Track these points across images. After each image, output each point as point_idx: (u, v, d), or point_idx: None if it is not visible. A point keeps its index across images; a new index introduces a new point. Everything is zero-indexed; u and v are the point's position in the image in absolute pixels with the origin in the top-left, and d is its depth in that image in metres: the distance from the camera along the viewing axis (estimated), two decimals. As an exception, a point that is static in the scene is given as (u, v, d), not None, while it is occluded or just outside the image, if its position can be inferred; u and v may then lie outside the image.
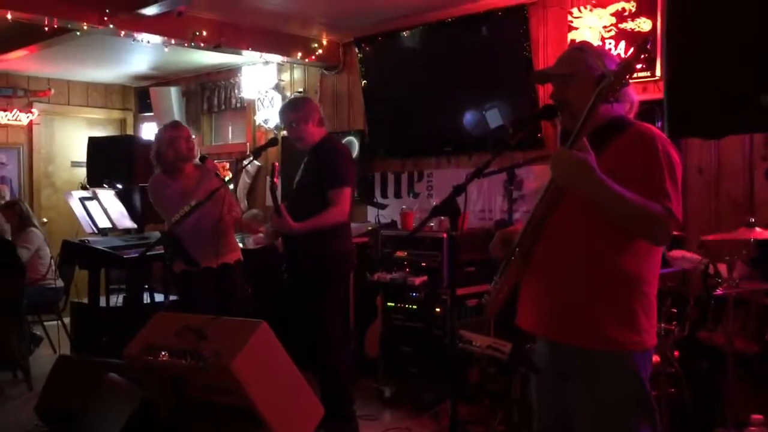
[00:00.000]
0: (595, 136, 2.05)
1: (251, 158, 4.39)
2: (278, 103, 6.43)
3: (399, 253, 4.57)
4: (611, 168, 1.93)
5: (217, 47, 5.39)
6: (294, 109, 3.81)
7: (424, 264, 4.46)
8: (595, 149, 1.97)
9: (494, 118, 5.00)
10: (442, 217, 4.01)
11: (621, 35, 4.40)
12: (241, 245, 5.05)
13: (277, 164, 4.39)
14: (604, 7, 4.49)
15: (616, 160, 1.98)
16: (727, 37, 1.26)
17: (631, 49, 2.00)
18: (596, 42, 4.46)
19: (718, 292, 2.98)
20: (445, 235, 4.34)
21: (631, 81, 2.00)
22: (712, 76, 1.28)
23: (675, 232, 3.36)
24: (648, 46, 1.95)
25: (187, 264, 3.87)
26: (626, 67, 1.86)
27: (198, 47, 5.42)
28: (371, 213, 5.85)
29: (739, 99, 1.23)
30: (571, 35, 4.59)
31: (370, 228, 5.38)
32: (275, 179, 3.75)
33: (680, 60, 1.35)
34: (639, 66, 4.13)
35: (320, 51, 6.01)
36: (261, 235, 5.42)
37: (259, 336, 2.76)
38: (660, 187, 1.92)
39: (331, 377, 3.66)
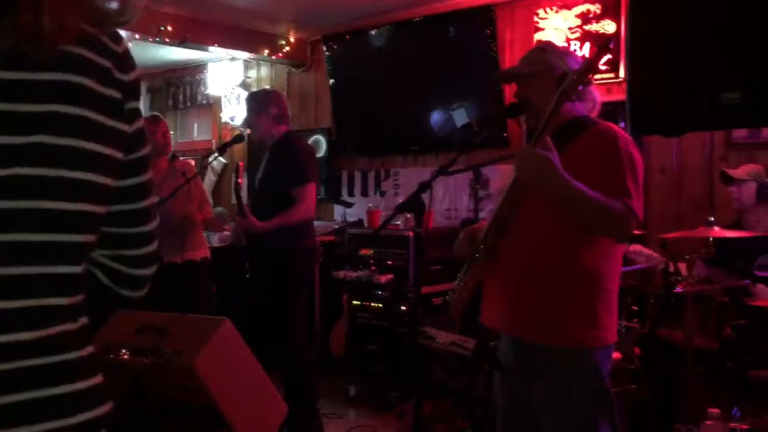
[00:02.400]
0: (558, 135, 2.08)
1: (216, 155, 4.36)
2: (245, 103, 6.38)
3: (365, 252, 4.56)
4: (574, 166, 1.95)
5: (182, 43, 5.33)
6: (250, 99, 3.83)
7: (390, 262, 4.47)
8: (558, 147, 1.99)
9: (461, 117, 5.03)
10: (408, 215, 4.02)
11: (586, 36, 4.45)
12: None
13: (241, 164, 4.36)
14: (569, 8, 4.53)
15: (579, 158, 2.00)
16: (688, 36, 1.27)
17: (594, 50, 2.02)
18: (562, 43, 4.51)
19: (678, 289, 3.03)
20: (411, 234, 4.35)
21: (595, 82, 2.02)
22: (674, 74, 1.30)
23: (636, 231, 3.43)
24: (610, 47, 1.97)
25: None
26: (588, 66, 1.88)
27: (163, 42, 5.35)
28: (338, 211, 5.84)
29: (700, 97, 1.24)
30: (537, 36, 4.64)
31: (336, 226, 5.37)
32: (239, 179, 3.72)
33: (642, 58, 1.36)
34: (604, 67, 4.19)
35: (287, 48, 5.98)
36: (226, 232, 5.38)
37: (222, 334, 2.73)
38: (621, 186, 1.94)
39: (296, 375, 3.64)
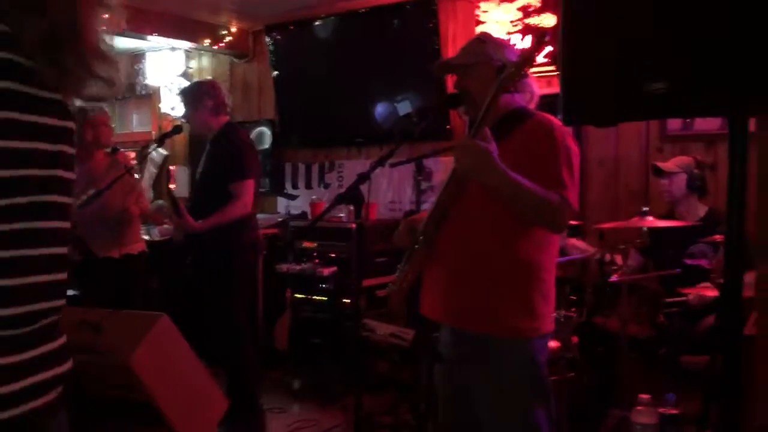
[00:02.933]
0: (497, 126, 2.09)
1: (155, 146, 4.25)
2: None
3: (308, 244, 4.53)
4: (512, 157, 1.97)
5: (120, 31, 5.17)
6: (185, 93, 3.74)
7: (333, 255, 4.45)
8: (497, 139, 2.00)
9: (405, 109, 5.03)
10: (352, 207, 4.00)
11: (527, 30, 4.50)
12: (147, 237, 4.89)
13: (172, 169, 4.27)
14: (510, 2, 4.58)
15: (517, 149, 2.02)
16: (619, 27, 1.29)
17: (532, 42, 2.03)
18: (503, 36, 4.55)
19: (613, 279, 3.10)
20: (354, 226, 4.34)
21: (535, 75, 2.05)
22: (605, 65, 1.31)
23: (575, 221, 3.49)
24: (546, 39, 1.99)
25: (81, 253, 3.71)
26: (526, 58, 1.90)
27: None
28: (282, 204, 5.78)
29: (629, 88, 1.26)
30: (479, 29, 4.66)
31: (280, 219, 5.31)
32: (170, 185, 3.65)
33: (574, 49, 1.37)
34: (544, 60, 4.25)
35: (229, 38, 5.88)
36: (167, 226, 5.27)
37: (160, 329, 2.68)
38: (557, 177, 1.97)
39: (237, 370, 3.59)
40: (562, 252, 3.27)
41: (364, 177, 2.08)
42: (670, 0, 1.21)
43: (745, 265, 1.80)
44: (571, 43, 1.41)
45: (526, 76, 2.00)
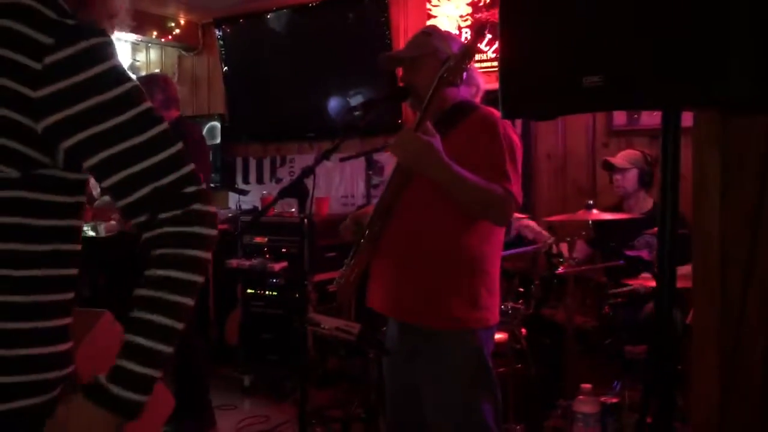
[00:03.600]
0: (442, 120, 2.10)
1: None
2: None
3: (258, 239, 4.48)
4: (456, 150, 1.97)
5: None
6: (147, 90, 3.62)
7: (284, 250, 4.41)
8: (442, 132, 2.01)
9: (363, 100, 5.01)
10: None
11: (477, 25, 4.52)
12: (93, 233, 4.77)
13: None
14: (460, -4, 4.60)
15: (461, 142, 2.03)
16: (556, 20, 1.30)
17: (472, 35, 2.04)
18: (453, 30, 4.57)
19: (560, 270, 3.14)
20: (305, 221, 4.30)
21: (483, 70, 2.05)
22: (542, 58, 1.32)
23: (522, 215, 3.53)
24: (485, 31, 2.01)
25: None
26: (467, 50, 1.90)
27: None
28: (233, 199, 5.71)
29: (565, 81, 1.27)
30: (430, 23, 4.67)
31: (230, 214, 5.24)
32: None
33: (513, 43, 1.38)
34: (492, 55, 4.27)
35: (177, 31, 5.77)
36: (113, 222, 5.15)
37: (102, 327, 2.60)
38: (500, 170, 1.98)
39: (184, 367, 3.53)
40: (519, 240, 3.30)
41: (308, 171, 2.06)
42: (604, -6, 1.22)
43: (685, 257, 1.84)
44: (509, 36, 1.41)
45: (465, 69, 2.00)
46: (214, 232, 1.07)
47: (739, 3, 1.06)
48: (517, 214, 3.29)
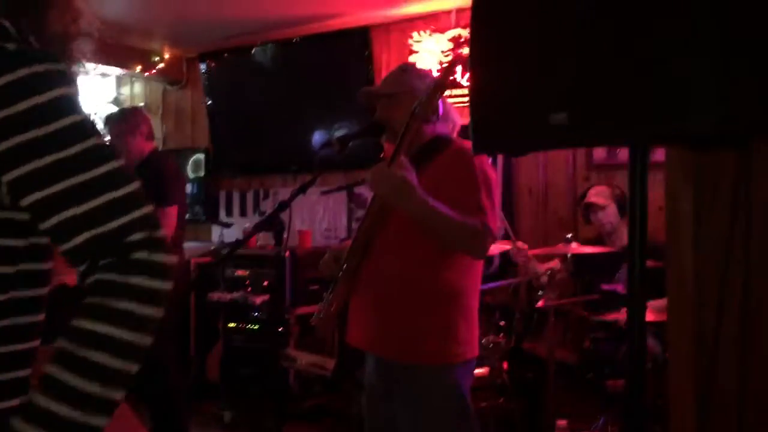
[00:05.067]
0: (418, 154, 2.12)
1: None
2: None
3: (240, 272, 4.46)
4: (433, 185, 1.99)
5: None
6: (119, 120, 3.64)
7: (266, 283, 4.39)
8: (418, 166, 2.02)
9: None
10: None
11: (458, 60, 4.57)
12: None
13: None
14: (442, 32, 4.66)
15: (437, 176, 2.04)
16: (523, 58, 1.32)
17: (441, 71, 2.07)
18: (435, 66, 4.62)
19: (540, 304, 3.14)
20: (287, 254, 4.30)
21: (461, 103, 2.07)
22: (511, 95, 1.34)
23: (498, 248, 3.52)
24: (456, 68, 2.04)
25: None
26: (437, 87, 1.93)
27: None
28: (216, 232, 5.68)
29: (532, 118, 1.29)
30: (412, 58, 4.72)
31: (213, 247, 5.22)
32: None
33: (482, 79, 1.40)
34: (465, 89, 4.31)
35: (162, 65, 5.79)
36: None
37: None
38: (476, 203, 1.99)
39: (163, 404, 3.48)
40: (500, 272, 3.28)
41: (283, 205, 2.06)
42: (571, 32, 1.24)
43: (659, 292, 1.85)
44: (479, 73, 1.43)
45: (438, 104, 2.02)
46: (160, 284, 0.93)
47: (702, 41, 1.08)
48: (500, 244, 3.30)
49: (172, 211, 3.49)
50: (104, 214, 0.90)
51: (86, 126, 0.93)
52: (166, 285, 0.94)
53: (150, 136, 3.64)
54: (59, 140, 0.89)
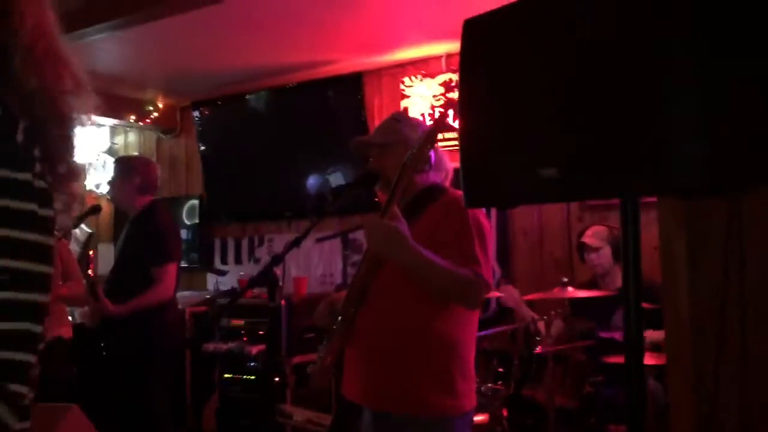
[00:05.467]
0: (411, 204, 2.11)
1: (72, 226, 4.11)
2: (111, 168, 6.14)
3: (235, 322, 4.42)
4: (426, 235, 1.98)
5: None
6: (117, 164, 3.65)
7: (261, 332, 4.34)
8: (411, 216, 2.02)
9: (338, 181, 5.05)
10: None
11: (449, 104, 4.61)
12: (70, 318, 4.68)
13: (92, 253, 4.14)
14: (433, 77, 4.71)
15: (430, 226, 2.03)
16: (513, 112, 1.32)
17: (433, 122, 2.09)
18: (427, 110, 4.66)
19: (538, 350, 3.11)
20: (283, 302, 4.26)
21: (450, 149, 2.08)
22: (500, 150, 1.34)
23: (494, 293, 3.51)
24: (446, 121, 2.06)
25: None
26: (428, 138, 1.93)
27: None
28: (211, 280, 5.66)
29: (523, 172, 1.29)
30: (404, 103, 4.77)
31: (208, 296, 5.19)
32: (89, 270, 3.52)
33: (471, 132, 1.40)
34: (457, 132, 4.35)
35: (156, 114, 5.84)
36: (87, 307, 5.06)
37: (70, 422, 2.53)
38: (470, 253, 1.97)
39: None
40: (496, 316, 3.26)
41: (277, 259, 2.04)
42: (558, 85, 1.25)
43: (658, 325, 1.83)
44: (467, 126, 1.44)
45: (430, 155, 2.03)
46: None
47: (685, 98, 1.09)
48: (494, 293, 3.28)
49: (173, 267, 3.46)
50: None
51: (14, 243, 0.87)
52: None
53: (145, 189, 3.56)
54: None
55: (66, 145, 1.02)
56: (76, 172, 1.04)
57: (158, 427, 3.43)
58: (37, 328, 0.88)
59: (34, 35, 0.96)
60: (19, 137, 0.94)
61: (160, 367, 3.48)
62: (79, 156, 5.38)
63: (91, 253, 4.14)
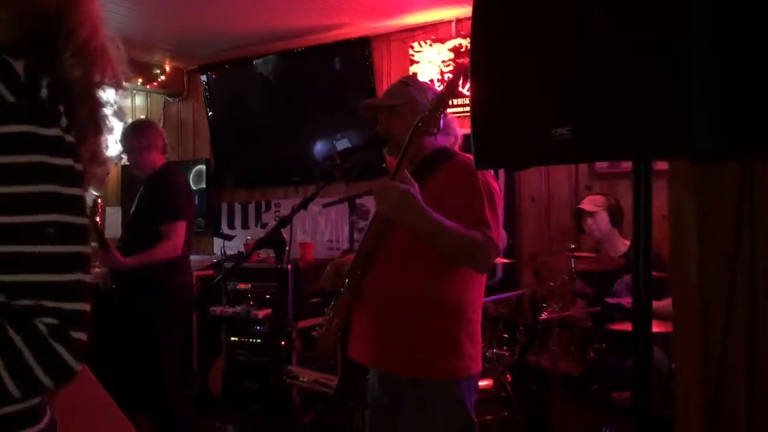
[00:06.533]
0: (420, 167, 2.10)
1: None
2: (118, 131, 6.11)
3: (242, 286, 4.44)
4: (435, 198, 1.97)
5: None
6: (138, 136, 3.62)
7: (268, 296, 4.37)
8: (420, 180, 2.01)
9: (344, 146, 5.02)
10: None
11: (459, 70, 4.56)
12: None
13: (100, 201, 4.14)
14: (442, 42, 4.66)
15: (439, 190, 2.03)
16: (525, 72, 1.30)
17: (444, 88, 2.06)
18: (436, 75, 4.62)
19: (543, 316, 3.11)
20: (290, 267, 4.28)
21: (463, 113, 2.06)
22: (512, 110, 1.32)
23: (507, 260, 3.51)
24: (458, 82, 2.03)
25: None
26: (440, 101, 1.91)
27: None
28: (218, 244, 5.68)
29: (535, 133, 1.27)
30: (413, 68, 4.72)
31: (215, 260, 5.21)
32: (96, 218, 3.54)
33: (483, 94, 1.39)
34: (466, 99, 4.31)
35: (163, 77, 5.81)
36: (97, 270, 5.10)
37: (77, 380, 2.55)
38: (480, 216, 1.97)
39: (167, 418, 3.46)
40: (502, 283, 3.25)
41: (284, 221, 2.04)
42: (573, 45, 1.23)
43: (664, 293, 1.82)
44: (478, 85, 1.42)
45: (441, 118, 2.01)
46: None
47: (702, 59, 1.07)
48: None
49: (182, 225, 3.49)
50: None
51: (55, 198, 0.89)
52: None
53: (164, 150, 3.65)
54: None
55: (94, 130, 1.04)
56: (102, 158, 1.06)
57: (168, 387, 3.48)
58: (87, 278, 0.92)
59: (89, 33, 1.00)
60: (44, 92, 0.94)
61: (170, 328, 3.51)
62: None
63: (99, 200, 4.14)
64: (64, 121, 0.94)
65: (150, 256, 3.40)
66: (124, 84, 1.09)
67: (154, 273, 3.42)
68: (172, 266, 3.48)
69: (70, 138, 0.94)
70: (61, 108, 0.95)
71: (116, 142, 6.04)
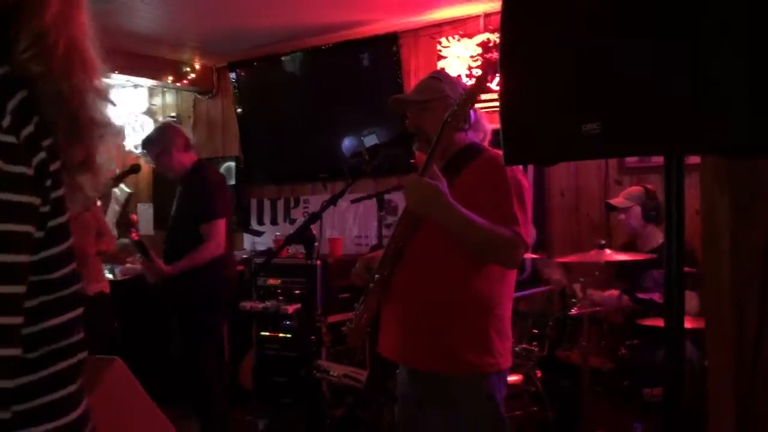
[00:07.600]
0: (450, 163, 2.10)
1: (111, 186, 4.20)
2: (149, 129, 6.20)
3: (272, 281, 4.48)
4: (464, 194, 1.97)
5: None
6: (154, 143, 3.66)
7: (297, 291, 4.40)
8: (450, 176, 2.01)
9: (372, 143, 5.02)
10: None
11: (487, 65, 4.55)
12: (110, 276, 4.81)
13: (134, 217, 4.22)
14: (470, 37, 4.64)
15: (469, 186, 2.03)
16: (555, 67, 1.30)
17: (475, 82, 2.06)
18: (464, 70, 4.60)
19: (573, 312, 3.09)
20: (319, 262, 4.30)
21: (490, 110, 2.06)
22: (542, 105, 1.32)
23: (535, 255, 3.49)
24: (489, 77, 2.03)
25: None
26: (469, 96, 1.91)
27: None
28: (248, 240, 5.73)
29: (565, 128, 1.27)
30: (441, 64, 4.71)
31: (245, 256, 5.26)
32: (134, 235, 3.59)
33: (512, 89, 1.38)
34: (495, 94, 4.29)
35: (193, 75, 5.87)
36: (129, 265, 5.19)
37: (113, 375, 2.60)
38: (508, 212, 1.97)
39: (206, 411, 3.52)
40: (532, 279, 3.25)
41: (314, 217, 2.06)
42: (602, 40, 1.23)
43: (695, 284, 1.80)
44: (508, 82, 1.41)
45: (470, 113, 2.01)
46: None
47: (739, 52, 1.06)
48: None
49: (221, 223, 3.51)
50: None
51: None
52: None
53: (187, 147, 3.66)
54: None
55: (77, 135, 0.95)
56: (94, 166, 0.98)
57: (209, 381, 3.52)
58: (15, 289, 0.83)
59: (49, 25, 0.91)
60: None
61: (218, 320, 3.56)
62: (118, 117, 5.44)
63: (134, 217, 4.22)
64: (7, 120, 0.83)
65: (194, 260, 3.43)
66: (104, 89, 0.98)
67: (198, 272, 3.46)
68: (217, 262, 3.51)
69: (9, 138, 0.83)
70: (10, 105, 0.85)
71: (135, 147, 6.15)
